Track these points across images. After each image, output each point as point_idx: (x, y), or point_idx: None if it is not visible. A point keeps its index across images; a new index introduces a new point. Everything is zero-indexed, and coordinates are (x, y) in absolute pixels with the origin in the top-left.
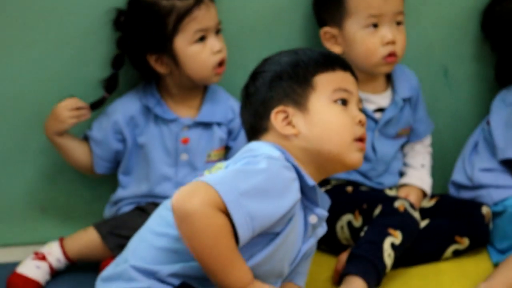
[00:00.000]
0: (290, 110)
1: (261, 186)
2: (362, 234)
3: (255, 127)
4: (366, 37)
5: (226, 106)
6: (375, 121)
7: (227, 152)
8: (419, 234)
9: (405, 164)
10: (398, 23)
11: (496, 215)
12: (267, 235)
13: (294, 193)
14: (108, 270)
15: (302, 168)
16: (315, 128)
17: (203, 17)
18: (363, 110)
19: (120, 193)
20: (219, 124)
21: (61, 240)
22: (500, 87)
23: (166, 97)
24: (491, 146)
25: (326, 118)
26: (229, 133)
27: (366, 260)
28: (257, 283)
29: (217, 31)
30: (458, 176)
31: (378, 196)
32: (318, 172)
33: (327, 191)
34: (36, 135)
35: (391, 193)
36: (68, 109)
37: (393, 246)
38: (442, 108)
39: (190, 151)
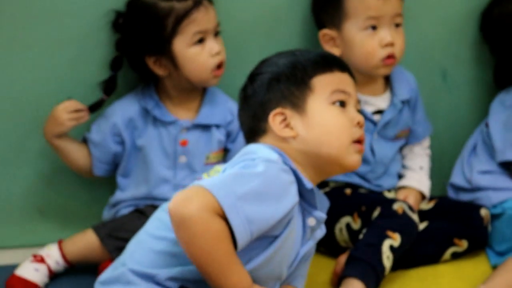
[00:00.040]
0: (288, 112)
1: (259, 189)
2: (360, 236)
3: (253, 129)
4: (365, 39)
5: (225, 108)
6: (374, 123)
7: (225, 154)
8: (418, 236)
9: (403, 166)
10: (397, 25)
11: (494, 217)
12: (266, 238)
13: (292, 196)
14: (106, 274)
15: (300, 170)
16: (313, 130)
17: (202, 19)
18: (361, 112)
19: (118, 195)
20: (217, 126)
21: (60, 243)
22: (499, 89)
23: (165, 99)
24: (489, 148)
25: (324, 120)
26: (228, 135)
27: (365, 263)
28: (256, 287)
29: (216, 33)
30: (456, 178)
31: (376, 198)
32: (316, 174)
33: (325, 193)
34: (35, 137)
35: (389, 195)
36: (67, 112)
37: (391, 248)
38: (441, 110)
39: (189, 153)
